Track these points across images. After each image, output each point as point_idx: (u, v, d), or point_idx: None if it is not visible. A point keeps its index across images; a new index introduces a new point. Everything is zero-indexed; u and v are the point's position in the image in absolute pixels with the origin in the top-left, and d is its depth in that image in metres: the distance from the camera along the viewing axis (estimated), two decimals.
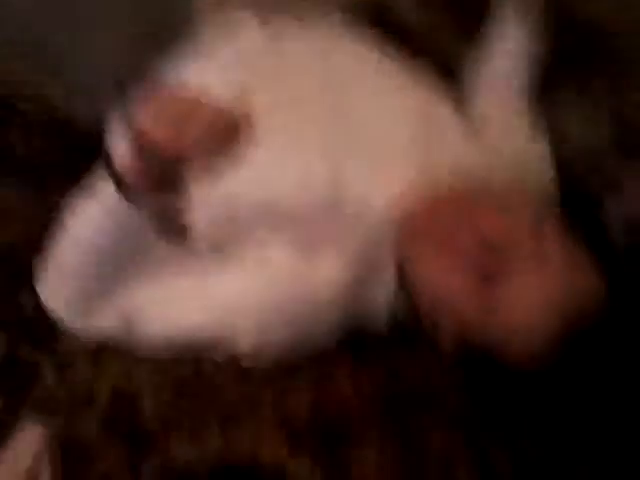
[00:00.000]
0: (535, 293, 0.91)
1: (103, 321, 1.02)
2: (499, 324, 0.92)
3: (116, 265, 0.98)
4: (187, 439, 0.97)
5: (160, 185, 0.90)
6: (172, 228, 0.90)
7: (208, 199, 0.95)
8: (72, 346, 1.04)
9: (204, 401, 1.01)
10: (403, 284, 1.02)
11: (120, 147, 0.90)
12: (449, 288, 0.94)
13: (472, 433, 1.02)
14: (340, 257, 0.99)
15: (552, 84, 1.17)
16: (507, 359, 0.94)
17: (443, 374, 1.07)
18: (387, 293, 1.04)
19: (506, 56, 1.19)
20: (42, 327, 1.03)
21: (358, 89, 1.06)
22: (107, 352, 1.04)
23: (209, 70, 1.06)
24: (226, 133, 0.90)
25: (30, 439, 0.94)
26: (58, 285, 1.00)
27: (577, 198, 1.12)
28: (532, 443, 1.01)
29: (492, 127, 1.14)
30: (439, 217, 0.95)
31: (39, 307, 1.00)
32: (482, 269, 0.91)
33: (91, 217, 0.95)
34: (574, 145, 1.20)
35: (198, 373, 1.04)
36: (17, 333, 1.05)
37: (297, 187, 0.98)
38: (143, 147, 0.87)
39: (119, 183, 0.89)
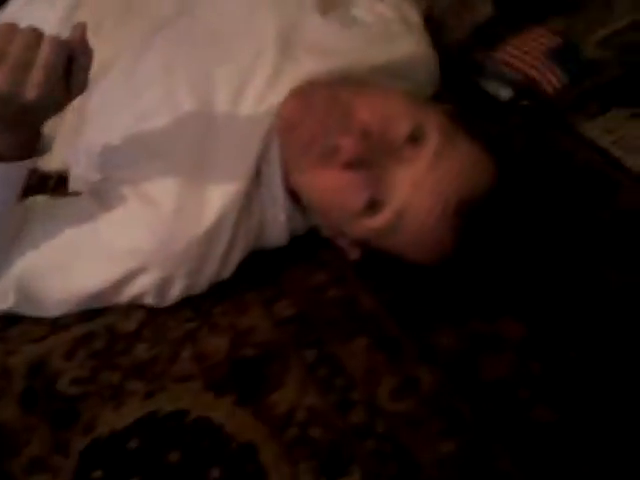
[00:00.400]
0: (423, 179, 0.91)
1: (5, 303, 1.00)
2: (391, 222, 0.93)
3: None
4: (111, 409, 0.95)
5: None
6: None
7: (78, 142, 0.94)
8: None
9: (122, 369, 0.99)
10: (294, 195, 1.02)
11: None
12: (333, 189, 0.94)
13: (395, 346, 1.01)
14: (227, 178, 0.99)
15: None
16: (409, 257, 0.96)
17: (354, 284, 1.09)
18: (282, 208, 1.04)
19: None
20: None
21: None
22: (17, 329, 1.04)
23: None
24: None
25: None
26: None
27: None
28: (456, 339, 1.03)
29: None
30: (312, 112, 0.95)
31: None
32: (364, 161, 0.91)
33: None
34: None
35: (112, 342, 1.02)
36: None
37: (164, 106, 0.98)
38: None
39: None
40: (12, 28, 0.78)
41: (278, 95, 0.99)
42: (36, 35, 0.78)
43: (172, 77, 1.00)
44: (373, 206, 0.91)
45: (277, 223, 1.06)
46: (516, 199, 0.96)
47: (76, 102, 0.94)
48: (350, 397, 0.97)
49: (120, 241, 0.90)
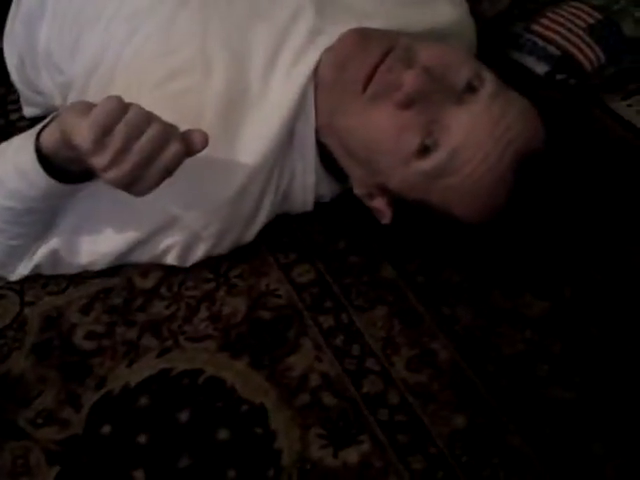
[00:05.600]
0: (479, 121, 0.90)
1: (30, 262, 1.00)
2: (444, 163, 0.91)
3: (34, 220, 0.96)
4: (124, 364, 0.95)
5: None
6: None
7: None
8: None
9: (137, 325, 0.99)
10: (324, 159, 1.01)
11: None
12: (387, 129, 0.92)
13: (414, 317, 1.00)
14: (258, 138, 0.98)
15: None
16: (453, 208, 0.94)
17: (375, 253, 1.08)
18: (312, 170, 1.03)
19: None
20: None
21: None
22: (34, 281, 1.04)
23: None
24: None
25: None
26: None
27: None
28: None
29: None
30: (370, 47, 0.93)
31: None
32: (423, 98, 0.90)
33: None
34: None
35: (129, 298, 1.02)
36: None
37: (197, 63, 0.97)
38: None
39: None
40: (121, 106, 0.77)
41: (314, 55, 0.97)
42: (146, 120, 0.78)
43: (207, 35, 0.98)
44: (427, 147, 0.90)
45: (305, 186, 1.05)
46: (563, 164, 0.93)
47: (113, 53, 0.93)
48: (365, 366, 0.96)
49: (148, 200, 0.88)
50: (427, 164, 0.90)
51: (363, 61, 0.92)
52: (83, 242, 0.99)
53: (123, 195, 0.81)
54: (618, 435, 0.90)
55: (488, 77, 0.92)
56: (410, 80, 0.88)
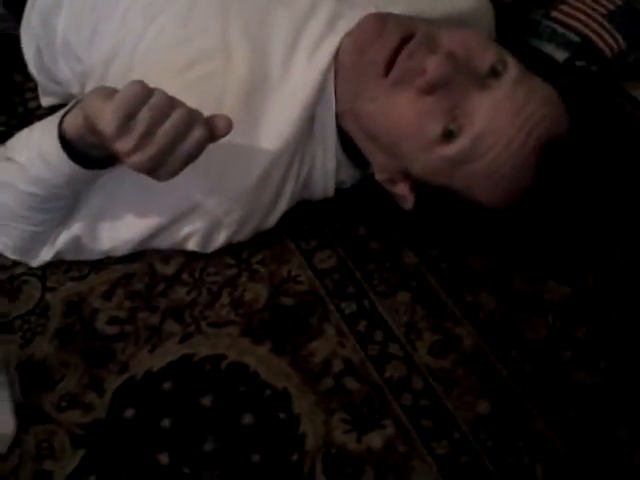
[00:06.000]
0: (503, 105, 0.89)
1: (52, 248, 1.00)
2: (468, 148, 0.90)
3: (57, 206, 0.96)
4: (147, 350, 0.95)
5: None
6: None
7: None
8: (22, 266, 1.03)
9: (160, 311, 0.99)
10: (345, 144, 1.00)
11: None
12: (410, 115, 0.92)
13: (437, 302, 1.00)
14: (279, 124, 0.97)
15: None
16: (477, 194, 0.93)
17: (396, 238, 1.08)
18: (333, 155, 1.02)
19: None
20: None
21: None
22: (57, 267, 1.04)
23: None
24: None
25: None
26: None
27: None
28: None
29: None
30: (391, 30, 0.92)
31: None
32: (446, 84, 0.89)
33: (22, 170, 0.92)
34: None
35: (151, 284, 1.02)
36: None
37: (216, 50, 0.97)
38: None
39: None
40: (145, 90, 0.76)
41: (335, 40, 0.97)
42: (170, 105, 0.77)
43: (226, 22, 0.98)
44: (450, 133, 0.89)
45: (326, 172, 1.04)
46: (588, 150, 0.93)
47: (131, 43, 0.93)
48: (388, 351, 0.96)
49: (171, 186, 0.88)
50: (451, 150, 0.90)
51: (382, 45, 0.91)
52: (105, 228, 0.99)
53: (145, 180, 0.81)
54: None
55: (511, 62, 0.91)
56: (433, 66, 0.87)
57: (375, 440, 0.87)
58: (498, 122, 0.88)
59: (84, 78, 1.07)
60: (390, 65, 0.90)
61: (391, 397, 0.91)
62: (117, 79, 0.97)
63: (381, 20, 0.94)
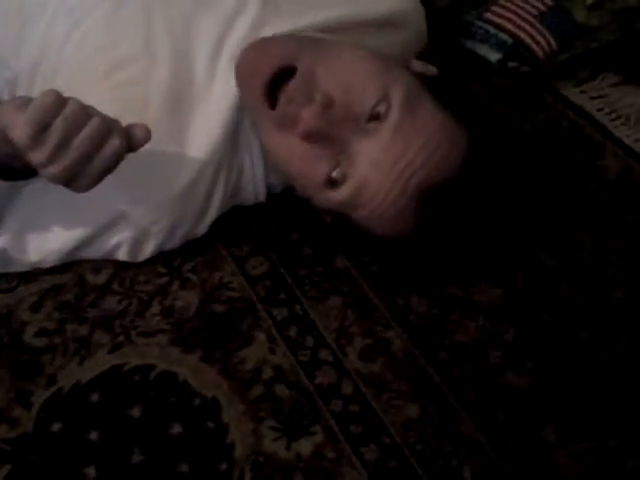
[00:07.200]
0: (381, 157, 0.87)
1: None
2: (351, 197, 0.89)
3: None
4: (75, 361, 0.94)
5: None
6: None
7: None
8: None
9: (89, 322, 0.98)
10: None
11: None
12: (294, 157, 0.90)
13: (367, 306, 1.00)
14: (205, 131, 0.97)
15: None
16: (373, 231, 0.92)
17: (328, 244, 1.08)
18: (260, 161, 1.03)
19: None
20: None
21: None
22: None
23: None
24: None
25: None
26: None
27: None
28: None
29: None
30: (266, 67, 0.90)
31: None
32: (324, 134, 0.86)
33: None
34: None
35: (81, 295, 1.01)
36: None
37: (140, 55, 0.97)
38: None
39: None
40: (59, 100, 0.75)
41: None
42: (85, 115, 0.76)
43: (151, 25, 0.97)
44: (334, 181, 0.88)
45: (255, 178, 1.04)
46: (487, 175, 0.93)
47: (56, 47, 0.92)
48: (319, 357, 0.96)
49: (95, 196, 0.87)
50: (336, 196, 0.89)
51: (259, 78, 0.90)
52: (31, 239, 0.98)
53: (67, 191, 0.79)
54: (569, 421, 0.90)
55: (397, 97, 0.87)
56: (307, 119, 0.85)
57: (304, 447, 0.87)
58: (377, 174, 0.86)
59: (13, 86, 1.06)
60: (270, 97, 0.89)
61: (321, 403, 0.90)
62: (44, 85, 0.96)
63: (258, 51, 0.92)
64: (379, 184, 0.87)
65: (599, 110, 1.27)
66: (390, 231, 0.91)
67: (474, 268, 1.04)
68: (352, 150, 0.87)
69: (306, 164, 0.89)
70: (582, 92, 1.31)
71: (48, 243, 0.99)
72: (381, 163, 0.86)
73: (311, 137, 0.86)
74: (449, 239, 0.92)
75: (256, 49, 0.93)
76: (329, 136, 0.86)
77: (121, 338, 0.97)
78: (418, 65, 0.97)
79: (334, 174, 0.88)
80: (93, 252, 0.99)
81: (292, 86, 0.87)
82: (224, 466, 0.86)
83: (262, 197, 1.06)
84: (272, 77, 0.88)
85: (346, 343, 0.97)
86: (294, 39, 0.94)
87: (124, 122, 0.82)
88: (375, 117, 0.86)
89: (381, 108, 0.86)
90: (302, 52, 0.89)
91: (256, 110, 0.92)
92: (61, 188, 0.79)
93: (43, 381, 0.93)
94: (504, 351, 0.96)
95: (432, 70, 0.97)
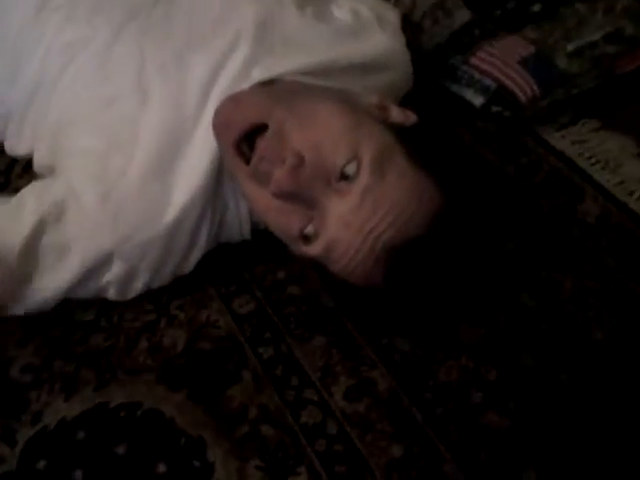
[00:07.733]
0: (349, 218, 0.88)
1: None
2: (322, 254, 0.91)
3: None
4: (61, 398, 0.94)
5: None
6: None
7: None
8: None
9: (76, 358, 0.98)
10: None
11: None
12: (268, 210, 0.93)
13: (352, 346, 1.01)
14: (192, 170, 0.99)
15: None
16: (348, 280, 0.93)
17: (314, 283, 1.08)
18: (242, 201, 1.04)
19: None
20: None
21: None
22: None
23: None
24: None
25: None
26: None
27: None
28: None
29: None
30: (239, 123, 0.92)
31: None
32: (295, 193, 0.88)
33: None
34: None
35: (68, 331, 1.01)
36: None
37: (133, 92, 1.00)
38: None
39: None
40: None
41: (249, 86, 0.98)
42: None
43: (144, 63, 0.99)
44: (306, 237, 0.90)
45: (240, 217, 1.06)
46: (459, 228, 0.94)
47: (50, 82, 0.93)
48: (304, 396, 0.96)
49: (81, 236, 0.88)
50: (310, 251, 0.91)
51: (231, 134, 0.92)
52: (19, 288, 0.99)
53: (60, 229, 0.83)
54: (550, 463, 0.91)
55: (367, 156, 0.88)
56: (278, 179, 0.87)
57: None
58: (346, 234, 0.88)
59: (6, 121, 1.07)
60: (243, 153, 0.92)
61: (305, 443, 0.91)
62: (36, 119, 0.98)
63: (233, 106, 0.95)
64: (348, 243, 0.88)
65: (579, 155, 1.29)
66: (362, 282, 0.92)
67: (451, 312, 1.04)
68: (323, 208, 0.88)
69: (281, 218, 0.92)
70: (563, 137, 1.33)
71: (41, 292, 0.99)
72: (350, 223, 0.87)
73: (282, 196, 0.88)
74: (416, 291, 0.93)
75: (231, 103, 0.95)
76: (301, 194, 0.88)
77: (107, 375, 0.98)
78: (397, 114, 0.97)
79: (306, 231, 0.90)
80: (82, 293, 1.00)
81: (263, 145, 0.90)
82: None
83: (247, 235, 1.08)
84: (244, 134, 0.91)
85: (331, 382, 0.98)
86: (269, 94, 0.96)
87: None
88: (345, 177, 0.88)
89: (350, 169, 0.88)
90: (275, 109, 0.91)
91: (232, 163, 0.94)
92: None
93: (28, 418, 0.94)
94: (486, 392, 0.97)
95: (411, 119, 0.98)
